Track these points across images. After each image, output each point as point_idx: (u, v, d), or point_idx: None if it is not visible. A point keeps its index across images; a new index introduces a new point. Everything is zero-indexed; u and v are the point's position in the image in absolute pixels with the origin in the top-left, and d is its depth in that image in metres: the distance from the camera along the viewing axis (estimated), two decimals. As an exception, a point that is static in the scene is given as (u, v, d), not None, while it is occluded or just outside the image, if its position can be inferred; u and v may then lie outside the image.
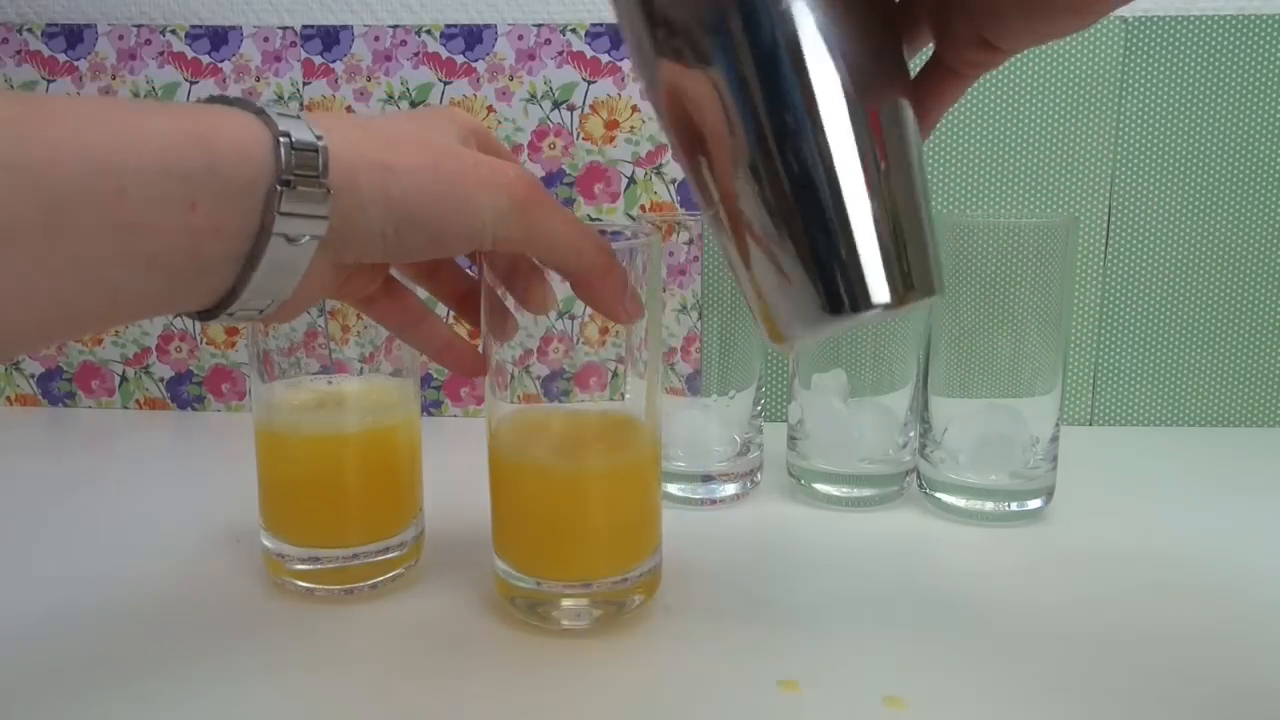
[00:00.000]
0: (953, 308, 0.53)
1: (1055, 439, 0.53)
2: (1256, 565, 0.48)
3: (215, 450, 0.67)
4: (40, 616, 0.42)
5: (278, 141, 0.29)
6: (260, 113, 0.29)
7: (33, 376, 0.76)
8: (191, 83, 0.71)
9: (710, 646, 0.40)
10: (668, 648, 0.40)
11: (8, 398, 0.76)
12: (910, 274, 0.31)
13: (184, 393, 0.75)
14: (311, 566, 0.43)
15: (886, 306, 0.30)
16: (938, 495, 0.54)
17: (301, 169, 0.29)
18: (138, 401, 0.76)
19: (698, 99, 0.30)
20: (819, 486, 0.56)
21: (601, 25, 0.69)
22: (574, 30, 0.69)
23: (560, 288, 0.40)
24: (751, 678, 0.37)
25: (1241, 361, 0.70)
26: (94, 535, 0.51)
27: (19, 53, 0.71)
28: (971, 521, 0.53)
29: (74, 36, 0.71)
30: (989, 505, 0.53)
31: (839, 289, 0.30)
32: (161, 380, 0.75)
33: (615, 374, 0.41)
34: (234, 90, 0.71)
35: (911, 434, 0.55)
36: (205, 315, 0.31)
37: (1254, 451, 0.66)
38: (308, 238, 0.30)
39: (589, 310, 0.38)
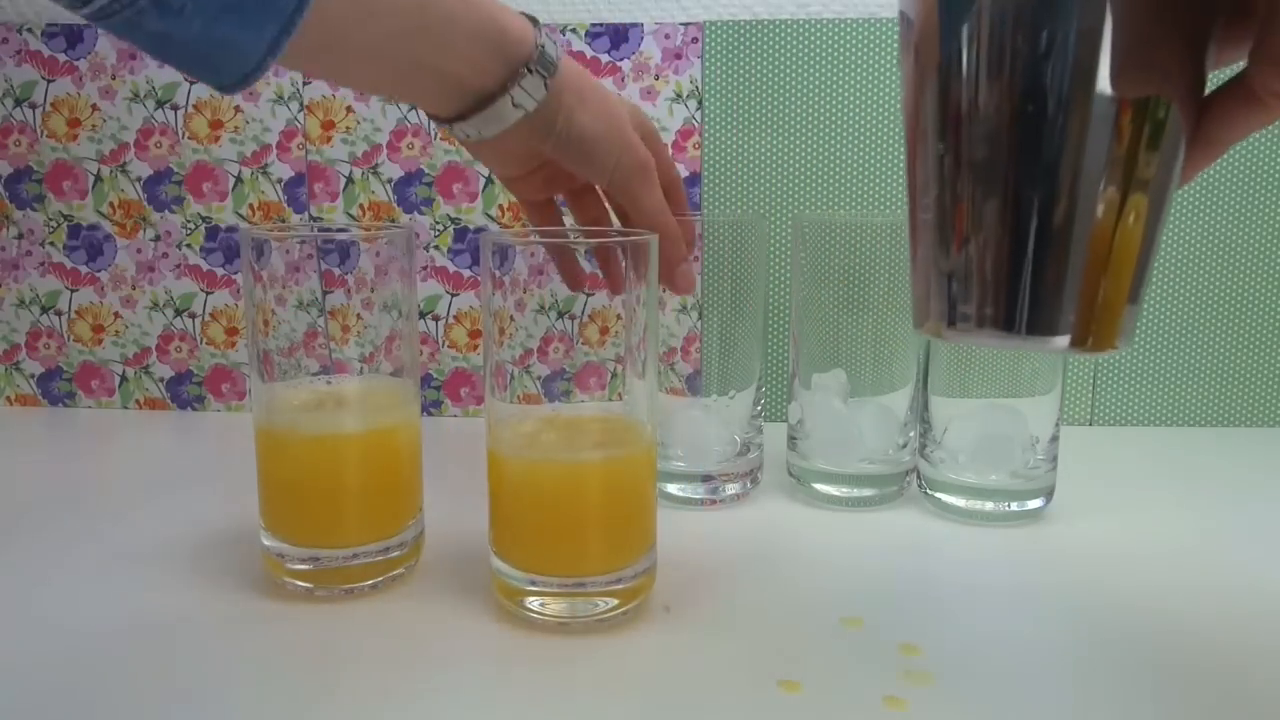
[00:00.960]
0: (953, 308, 0.53)
1: (1055, 439, 0.53)
2: (1256, 565, 0.48)
3: (215, 450, 0.67)
4: (39, 616, 0.42)
5: (538, 43, 0.44)
6: (534, 22, 0.45)
7: (33, 376, 0.76)
8: (192, 83, 0.71)
9: (710, 646, 0.40)
10: (668, 648, 0.40)
11: (8, 398, 0.76)
12: (1109, 314, 0.26)
13: (184, 393, 0.75)
14: (311, 566, 0.43)
15: (1067, 347, 0.26)
16: (938, 495, 0.54)
17: (543, 65, 0.44)
18: (138, 401, 0.76)
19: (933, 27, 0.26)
20: (819, 486, 0.56)
21: (601, 25, 0.69)
22: (574, 30, 0.69)
23: (560, 288, 0.40)
24: (751, 678, 0.37)
25: (1241, 361, 0.70)
26: (94, 535, 0.51)
27: (19, 53, 0.71)
28: (971, 521, 0.53)
29: (74, 36, 0.71)
30: (989, 505, 0.53)
31: (1019, 302, 0.26)
32: (161, 380, 0.75)
33: (614, 374, 0.41)
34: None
35: (911, 434, 0.55)
36: (437, 119, 0.47)
37: (1254, 451, 0.66)
38: (523, 108, 0.44)
39: (589, 310, 0.38)
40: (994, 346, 0.28)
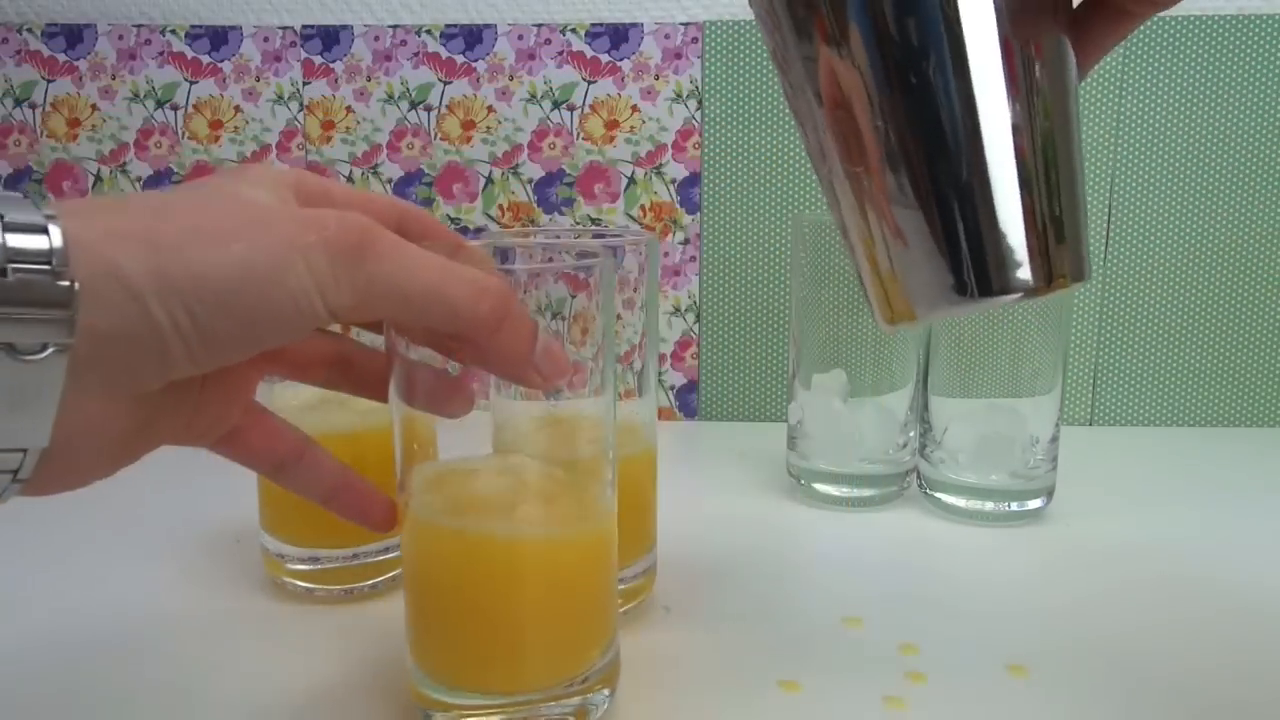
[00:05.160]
0: (953, 308, 0.53)
1: (1055, 439, 0.53)
2: (1256, 565, 0.48)
3: (215, 450, 0.67)
4: (39, 617, 0.42)
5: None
6: None
7: (32, 376, 0.76)
8: (191, 83, 0.71)
9: (710, 646, 0.40)
10: (668, 648, 0.40)
11: (7, 398, 0.76)
12: (1059, 253, 0.26)
13: (184, 393, 0.75)
14: (311, 566, 0.43)
15: (1028, 292, 0.26)
16: (938, 495, 0.54)
17: (21, 256, 0.21)
18: (137, 401, 0.76)
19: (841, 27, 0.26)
20: (819, 486, 0.56)
21: (601, 25, 0.69)
22: (574, 30, 0.69)
23: (556, 289, 0.40)
24: (751, 678, 0.37)
25: (1241, 361, 0.70)
26: (93, 536, 0.51)
27: (19, 53, 0.71)
28: (971, 521, 0.53)
29: (74, 36, 0.71)
30: (989, 505, 0.53)
31: (970, 265, 0.26)
32: (161, 380, 0.75)
33: (614, 374, 0.41)
34: (234, 90, 0.71)
35: (911, 434, 0.55)
36: None
37: (1254, 451, 0.66)
38: (50, 349, 0.22)
39: (573, 311, 0.37)
40: (959, 315, 0.28)
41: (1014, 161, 0.25)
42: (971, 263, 0.26)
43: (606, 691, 0.34)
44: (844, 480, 0.55)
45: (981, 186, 0.25)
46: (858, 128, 0.26)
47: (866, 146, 0.26)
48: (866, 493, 0.55)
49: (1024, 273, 0.26)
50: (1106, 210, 0.69)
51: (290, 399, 0.44)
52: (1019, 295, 0.26)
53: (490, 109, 0.70)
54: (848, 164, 0.27)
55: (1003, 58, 0.25)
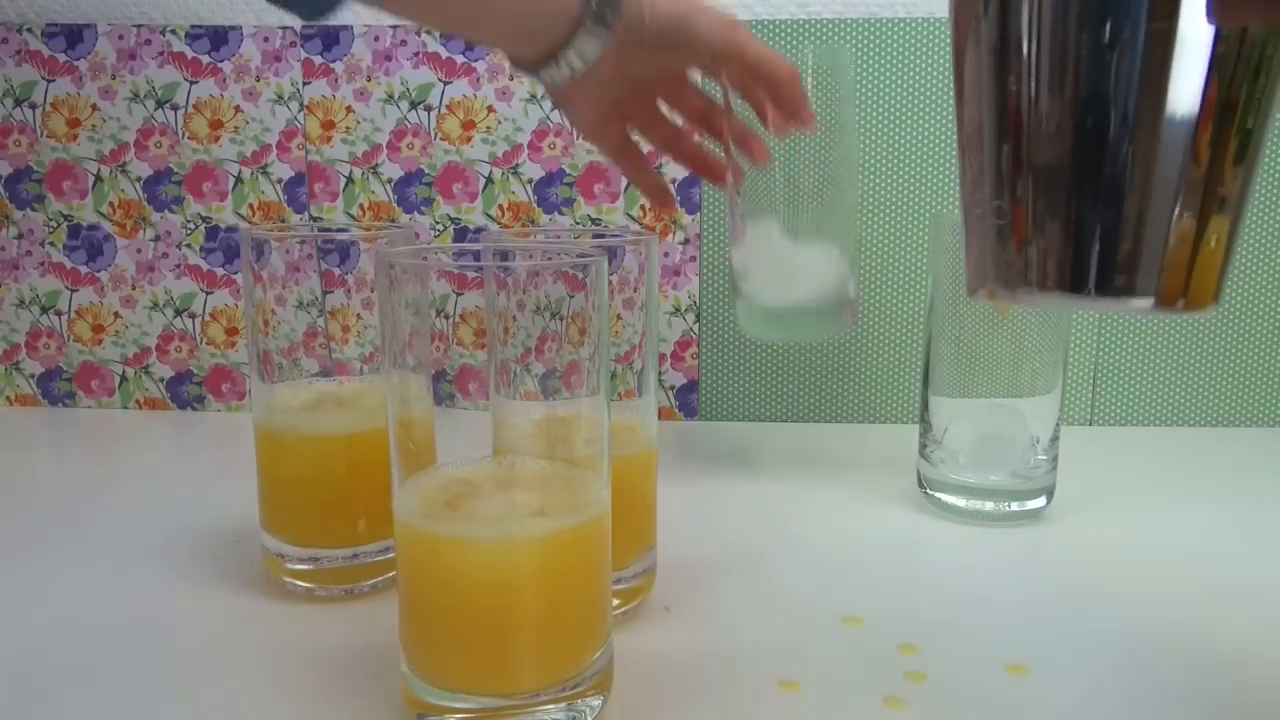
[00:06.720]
0: (952, 308, 0.53)
1: (1055, 439, 0.53)
2: (1256, 565, 0.48)
3: (215, 450, 0.67)
4: (40, 617, 0.42)
5: None
6: None
7: (33, 376, 0.76)
8: (191, 83, 0.71)
9: (710, 646, 0.40)
10: (668, 648, 0.40)
11: (8, 398, 0.76)
12: (1196, 273, 0.23)
13: (184, 393, 0.75)
14: (311, 566, 0.43)
15: (1150, 307, 0.24)
16: (938, 495, 0.54)
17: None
18: (138, 401, 0.76)
19: None
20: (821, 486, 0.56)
21: (601, 25, 0.69)
22: (574, 30, 0.69)
23: (555, 289, 0.40)
24: (751, 678, 0.37)
25: (1241, 361, 0.70)
26: (94, 535, 0.51)
27: (19, 53, 0.71)
28: (971, 521, 0.53)
29: (74, 36, 0.71)
30: (989, 505, 0.53)
31: (1093, 259, 0.23)
32: (161, 380, 0.75)
33: (615, 374, 0.41)
34: (234, 90, 0.71)
35: (912, 434, 0.55)
36: (524, 66, 0.48)
37: (1254, 451, 0.66)
38: (604, 22, 0.46)
39: (571, 310, 0.37)
40: (1063, 308, 0.26)
41: (1181, 151, 0.22)
42: (1101, 256, 0.23)
43: (600, 698, 0.34)
44: (786, 312, 0.54)
45: (1139, 170, 0.22)
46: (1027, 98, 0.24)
47: (1025, 114, 0.24)
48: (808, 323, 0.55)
49: (1148, 286, 0.23)
50: (1107, 210, 0.69)
51: (290, 399, 0.44)
52: (1147, 305, 0.24)
53: (490, 109, 0.70)
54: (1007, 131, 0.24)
55: (1213, 55, 0.22)
